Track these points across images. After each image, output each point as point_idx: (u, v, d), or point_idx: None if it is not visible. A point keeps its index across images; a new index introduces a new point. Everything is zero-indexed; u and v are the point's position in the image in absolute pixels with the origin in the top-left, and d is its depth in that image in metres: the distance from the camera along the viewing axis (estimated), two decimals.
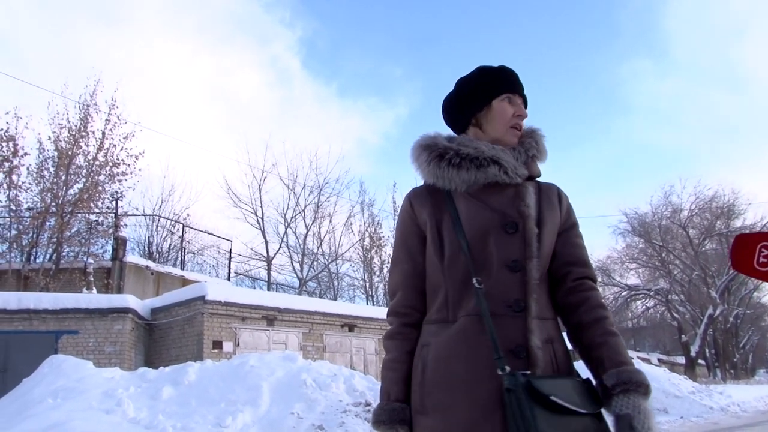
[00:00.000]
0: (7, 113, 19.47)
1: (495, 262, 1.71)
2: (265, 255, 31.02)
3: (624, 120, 73.43)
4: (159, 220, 26.89)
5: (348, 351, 17.98)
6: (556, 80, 69.53)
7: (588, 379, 1.69)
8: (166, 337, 15.96)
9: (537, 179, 1.92)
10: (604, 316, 1.76)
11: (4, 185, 19.21)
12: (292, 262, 31.94)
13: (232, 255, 25.71)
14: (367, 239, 33.93)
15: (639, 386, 1.63)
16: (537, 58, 67.84)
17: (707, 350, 37.87)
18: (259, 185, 31.00)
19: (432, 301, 1.79)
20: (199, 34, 56.65)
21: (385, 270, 34.22)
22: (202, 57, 55.01)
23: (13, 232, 19.48)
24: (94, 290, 17.12)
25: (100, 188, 20.49)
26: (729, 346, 40.35)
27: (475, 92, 1.94)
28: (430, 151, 1.85)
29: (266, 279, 30.73)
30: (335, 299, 30.50)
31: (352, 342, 18.22)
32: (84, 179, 20.25)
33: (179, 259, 24.26)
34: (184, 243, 23.99)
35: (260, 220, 30.98)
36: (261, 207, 30.97)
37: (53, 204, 19.53)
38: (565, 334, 1.82)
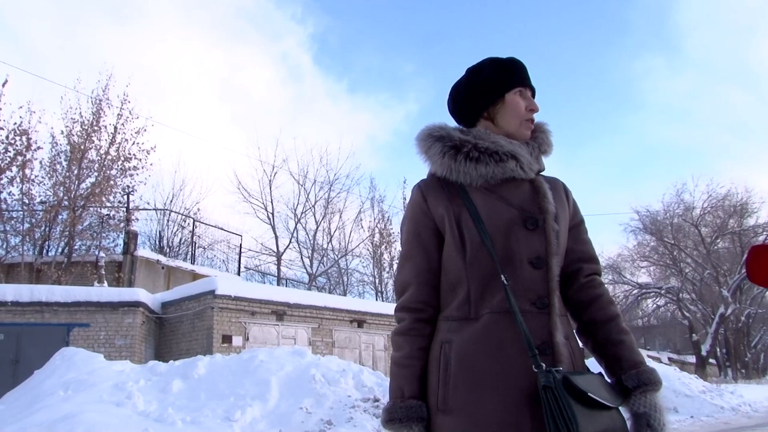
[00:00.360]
0: (21, 108, 19.70)
1: (518, 259, 1.68)
2: (275, 250, 31.09)
3: (636, 117, 73.10)
4: (170, 215, 27.01)
5: (357, 347, 18.01)
6: (567, 77, 69.30)
7: (601, 374, 1.71)
8: (176, 331, 16.04)
9: (542, 174, 1.89)
10: (617, 314, 1.78)
11: (17, 179, 19.36)
12: (301, 258, 32.01)
13: (242, 250, 25.85)
14: (377, 235, 33.89)
15: (656, 385, 1.68)
16: (549, 54, 67.61)
17: (718, 349, 37.63)
18: (270, 180, 31.05)
19: (450, 298, 1.74)
20: (211, 30, 56.79)
21: (395, 266, 34.11)
22: (213, 53, 55.18)
23: (26, 225, 19.64)
24: (106, 284, 17.25)
25: (111, 182, 20.64)
26: (740, 346, 40.07)
27: (487, 84, 1.88)
28: (444, 143, 1.80)
29: (276, 274, 30.82)
30: (344, 295, 30.53)
31: (361, 338, 18.24)
32: (96, 173, 20.41)
33: (190, 253, 24.37)
34: (194, 237, 24.12)
35: (270, 215, 31.02)
36: (271, 202, 31.01)
37: (65, 198, 19.68)
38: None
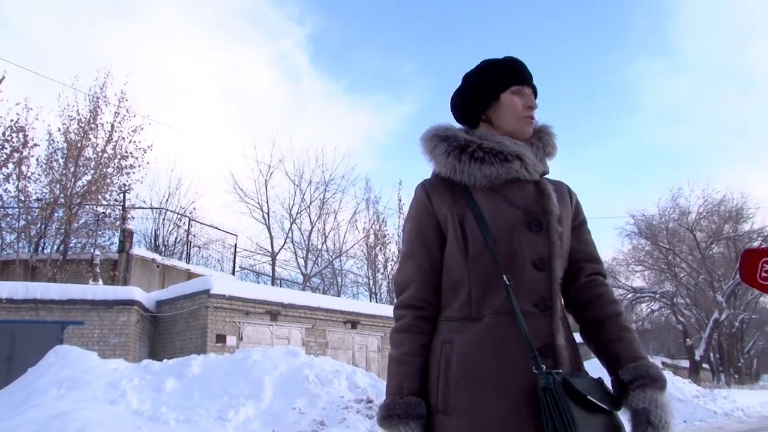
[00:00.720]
0: (18, 104, 19.62)
1: (521, 260, 1.68)
2: (270, 250, 31.11)
3: (634, 119, 73.31)
4: (166, 214, 26.99)
5: (350, 348, 18.02)
6: (566, 78, 69.43)
7: (600, 378, 1.66)
8: (170, 330, 16.04)
9: (546, 176, 1.89)
10: (619, 312, 1.76)
11: (14, 176, 19.35)
12: (296, 258, 32.05)
13: (237, 249, 25.85)
14: (372, 236, 33.93)
15: (656, 380, 1.63)
16: (548, 56, 67.73)
17: (712, 354, 37.75)
18: (266, 180, 31.11)
19: (452, 298, 1.73)
20: (210, 30, 56.79)
21: (390, 267, 34.23)
22: (211, 52, 55.18)
23: (22, 222, 19.65)
24: (101, 282, 17.24)
25: (108, 180, 20.61)
26: (734, 351, 40.19)
27: (481, 88, 1.88)
28: (449, 143, 1.80)
29: (270, 274, 30.84)
30: (339, 296, 30.52)
31: (355, 339, 18.26)
32: (92, 171, 20.38)
33: (185, 252, 24.37)
34: (190, 237, 24.11)
35: (266, 215, 31.07)
36: (267, 202, 31.08)
37: (62, 195, 19.65)
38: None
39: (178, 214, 26.96)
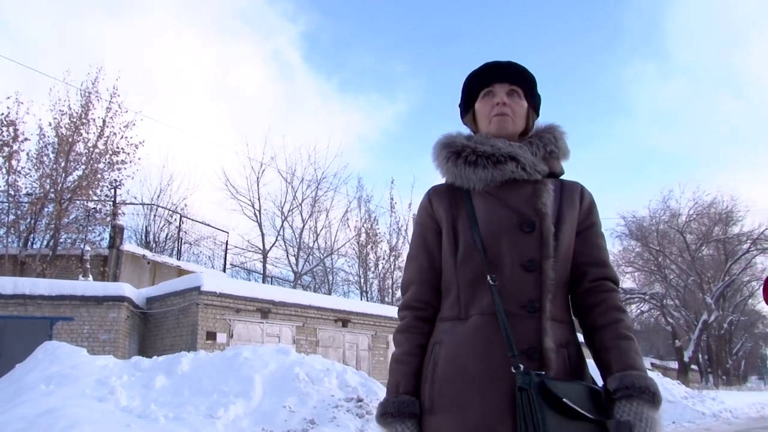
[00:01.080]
0: (9, 98, 19.51)
1: (509, 261, 1.68)
2: (261, 247, 31.05)
3: (626, 122, 73.60)
4: (157, 210, 26.88)
5: (341, 346, 18.01)
6: (558, 81, 69.57)
7: (593, 388, 1.62)
8: (160, 327, 15.97)
9: (561, 177, 1.88)
10: (619, 319, 1.70)
11: (3, 170, 19.21)
12: (287, 256, 31.96)
13: (229, 247, 25.73)
14: (363, 235, 33.89)
15: (643, 392, 1.55)
16: (541, 58, 67.83)
17: (700, 356, 37.97)
18: (258, 178, 30.99)
19: (445, 298, 1.77)
20: (203, 26, 56.60)
21: (381, 266, 34.30)
22: (205, 49, 55.01)
23: (11, 217, 19.45)
24: (90, 277, 17.15)
25: (99, 176, 20.49)
26: (722, 353, 40.44)
27: (462, 102, 1.97)
28: (449, 149, 1.84)
29: (261, 272, 30.76)
30: (329, 294, 30.51)
31: (345, 337, 18.25)
32: (83, 166, 20.26)
33: (176, 249, 24.26)
34: (181, 233, 23.99)
35: (257, 212, 30.98)
36: (258, 199, 30.97)
37: (52, 190, 19.53)
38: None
39: (169, 210, 26.87)
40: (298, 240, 31.73)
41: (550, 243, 1.69)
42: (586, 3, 72.45)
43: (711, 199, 38.17)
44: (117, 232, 19.40)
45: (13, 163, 19.29)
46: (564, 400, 1.47)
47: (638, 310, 42.00)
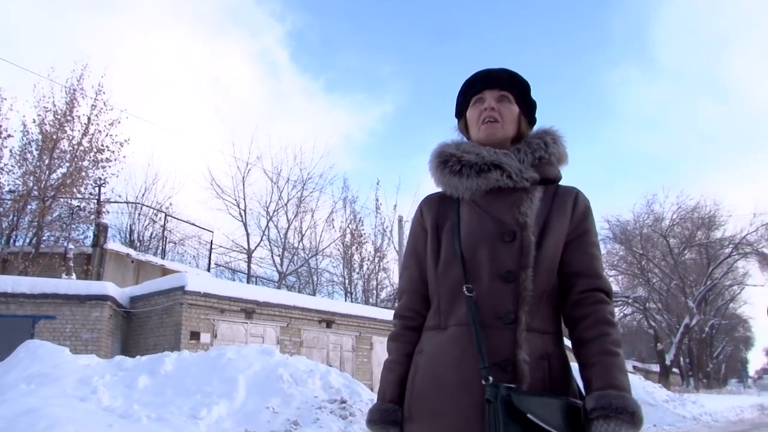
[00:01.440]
0: None
1: (487, 272, 1.66)
2: (246, 247, 30.93)
3: (611, 125, 74.13)
4: (141, 208, 26.75)
5: (325, 347, 18.00)
6: (545, 83, 69.89)
7: (572, 403, 1.58)
8: (144, 326, 15.89)
9: (558, 183, 1.86)
10: (606, 333, 1.62)
11: None
12: (272, 256, 31.86)
13: (213, 246, 25.67)
14: (348, 236, 33.90)
15: (621, 413, 1.48)
16: (527, 60, 68.17)
17: (682, 359, 38.29)
18: (243, 177, 30.86)
19: (431, 308, 1.78)
20: (190, 24, 56.38)
21: (365, 267, 34.38)
22: (192, 47, 54.78)
23: None
24: (74, 276, 17.01)
25: (83, 174, 20.33)
26: (703, 356, 40.84)
27: (457, 113, 1.99)
28: (438, 159, 1.85)
29: (246, 271, 30.66)
30: (314, 294, 30.46)
31: (330, 338, 18.24)
32: (67, 164, 20.07)
33: (160, 248, 24.16)
34: (165, 232, 23.89)
35: (242, 212, 30.85)
36: (244, 199, 30.85)
37: (35, 188, 19.37)
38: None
39: (154, 209, 26.76)
40: (283, 240, 31.69)
41: (530, 253, 1.65)
42: (573, 6, 72.91)
43: (694, 204, 38.53)
44: (101, 230, 19.27)
45: None
46: (528, 415, 1.44)
47: (621, 314, 42.20)
